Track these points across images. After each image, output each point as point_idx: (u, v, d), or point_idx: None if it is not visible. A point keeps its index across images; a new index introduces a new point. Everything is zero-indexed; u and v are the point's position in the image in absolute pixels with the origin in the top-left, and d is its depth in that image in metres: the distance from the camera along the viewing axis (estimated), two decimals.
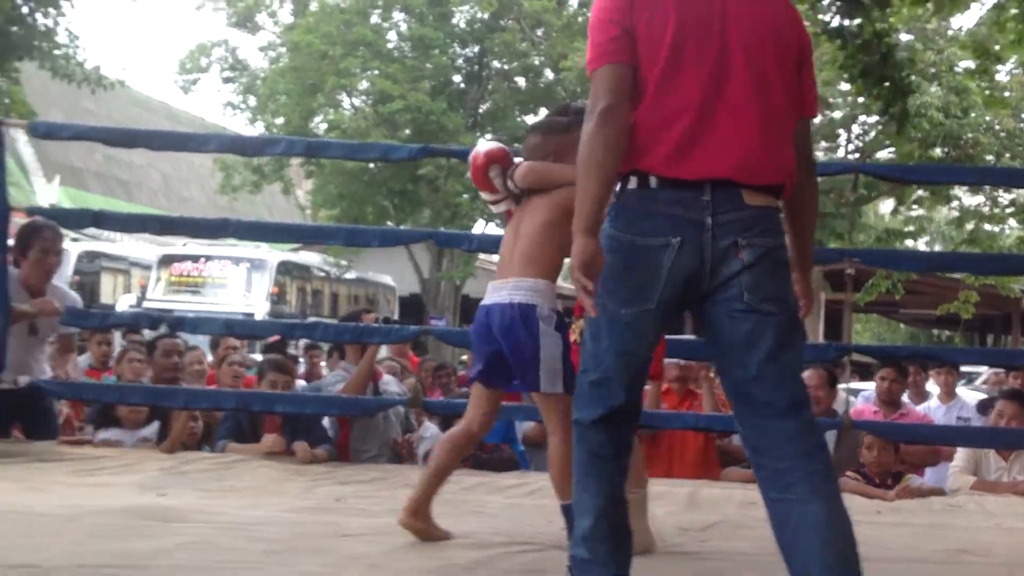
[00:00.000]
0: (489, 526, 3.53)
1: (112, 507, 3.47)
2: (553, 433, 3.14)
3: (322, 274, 22.54)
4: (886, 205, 22.87)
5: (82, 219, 5.18)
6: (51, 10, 10.56)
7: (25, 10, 10.40)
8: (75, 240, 18.37)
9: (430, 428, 5.52)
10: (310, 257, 21.73)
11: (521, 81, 21.77)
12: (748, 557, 3.22)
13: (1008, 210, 18.71)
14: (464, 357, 11.99)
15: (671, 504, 4.25)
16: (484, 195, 3.52)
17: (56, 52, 10.77)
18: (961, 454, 5.00)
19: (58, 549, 2.84)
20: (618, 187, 2.37)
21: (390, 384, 5.41)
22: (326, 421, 5.20)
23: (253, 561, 2.83)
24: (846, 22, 8.06)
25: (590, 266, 2.28)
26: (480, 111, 21.73)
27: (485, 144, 3.58)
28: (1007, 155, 17.40)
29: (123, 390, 4.96)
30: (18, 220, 5.18)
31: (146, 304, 16.41)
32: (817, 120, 19.09)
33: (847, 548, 2.27)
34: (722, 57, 2.33)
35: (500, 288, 3.20)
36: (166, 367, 5.51)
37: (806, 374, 5.40)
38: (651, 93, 2.32)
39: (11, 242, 4.87)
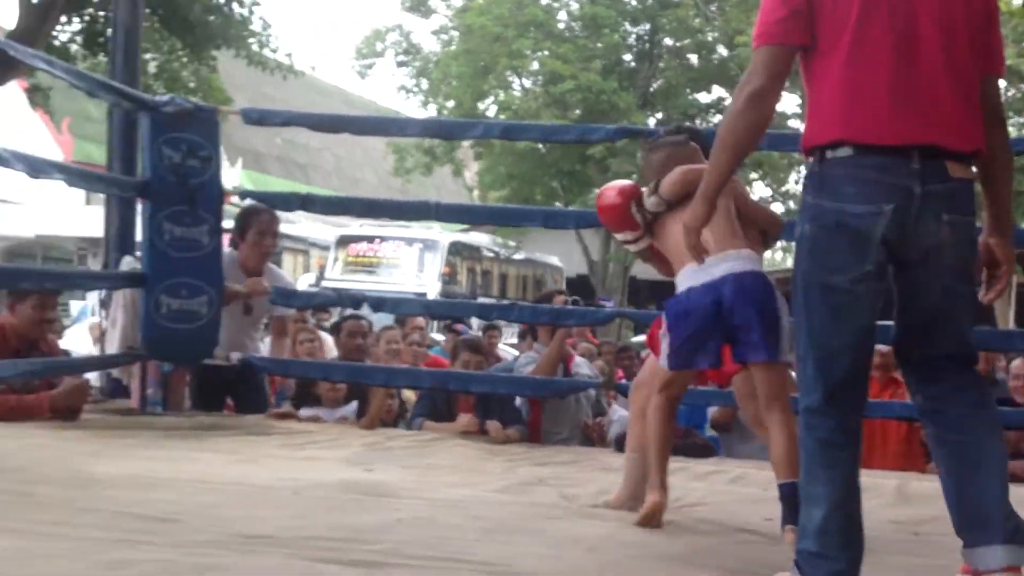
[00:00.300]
0: (697, 515, 3.49)
1: (327, 481, 3.57)
2: (778, 408, 3.10)
3: (491, 255, 22.81)
4: None
5: (290, 202, 5.37)
6: (246, 0, 10.99)
7: (222, 0, 10.85)
8: None
9: (618, 411, 5.51)
10: (479, 238, 22.02)
11: (693, 58, 21.49)
12: None
13: None
14: (636, 339, 11.91)
15: (879, 496, 4.10)
16: (620, 236, 3.49)
17: (251, 41, 11.19)
18: None
19: (285, 521, 2.93)
20: (818, 156, 2.34)
21: (582, 366, 5.42)
22: (518, 401, 5.25)
23: (472, 539, 2.87)
24: None
25: (700, 227, 2.48)
26: (651, 89, 21.56)
27: (614, 185, 3.52)
28: None
29: (327, 367, 5.12)
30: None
31: (324, 284, 16.94)
32: (1010, 93, 18.21)
33: (1008, 491, 2.37)
34: (911, 21, 2.30)
35: (723, 261, 3.09)
36: (351, 348, 5.65)
37: (1015, 363, 5.15)
38: (843, 62, 2.30)
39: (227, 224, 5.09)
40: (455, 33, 22.52)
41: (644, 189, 3.34)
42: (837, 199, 2.30)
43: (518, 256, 23.50)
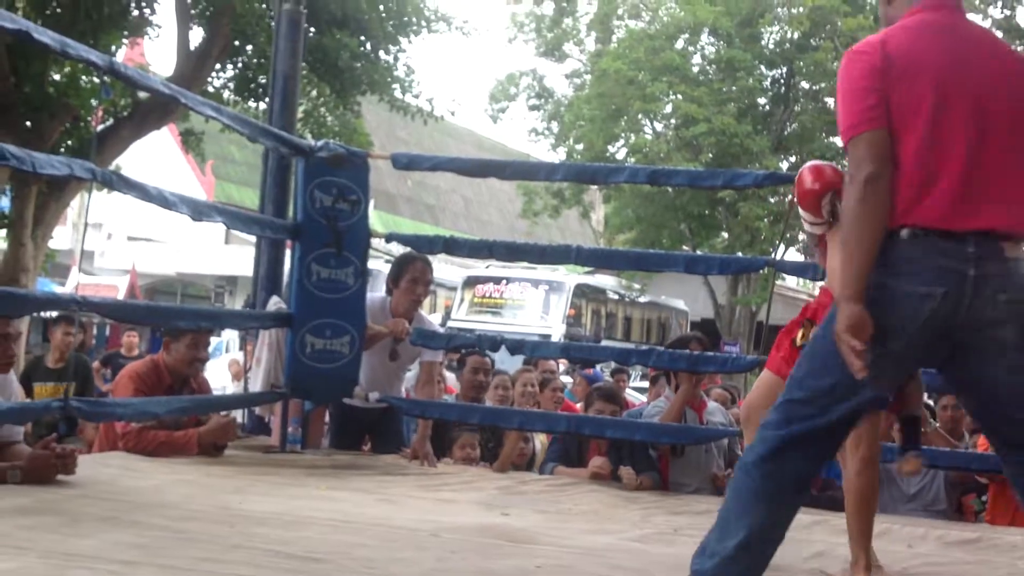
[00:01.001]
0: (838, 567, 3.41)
1: (465, 524, 3.61)
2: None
3: (616, 297, 22.77)
4: None
5: (434, 244, 5.45)
6: (392, 47, 11.28)
7: (368, 47, 11.16)
8: (388, 262, 19.45)
9: None
10: (605, 280, 22.01)
11: (830, 102, 21.15)
12: None
13: None
14: None
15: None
16: (804, 215, 3.54)
17: (394, 86, 11.47)
18: None
19: (428, 564, 2.97)
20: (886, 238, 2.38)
21: (715, 414, 5.33)
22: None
23: None
24: None
25: (859, 331, 2.32)
26: (785, 133, 21.29)
27: (820, 166, 3.61)
28: None
29: (465, 409, 5.17)
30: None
31: (450, 324, 17.15)
32: None
33: None
34: (981, 117, 2.36)
35: None
36: (472, 383, 5.68)
37: None
38: (914, 151, 2.34)
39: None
40: (587, 77, 22.70)
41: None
42: (891, 278, 2.36)
43: (643, 299, 23.38)
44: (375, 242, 5.63)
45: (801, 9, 19.54)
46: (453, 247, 5.41)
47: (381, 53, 11.07)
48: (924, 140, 2.34)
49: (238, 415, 5.16)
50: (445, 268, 21.09)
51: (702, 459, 5.07)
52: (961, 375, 2.46)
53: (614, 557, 3.30)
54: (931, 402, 6.30)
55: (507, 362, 7.70)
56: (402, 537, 3.37)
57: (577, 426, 4.98)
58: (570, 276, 20.06)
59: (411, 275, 5.17)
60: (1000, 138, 2.37)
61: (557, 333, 18.19)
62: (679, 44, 20.91)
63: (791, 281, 24.98)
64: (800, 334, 3.45)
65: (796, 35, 20.38)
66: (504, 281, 19.52)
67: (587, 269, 20.41)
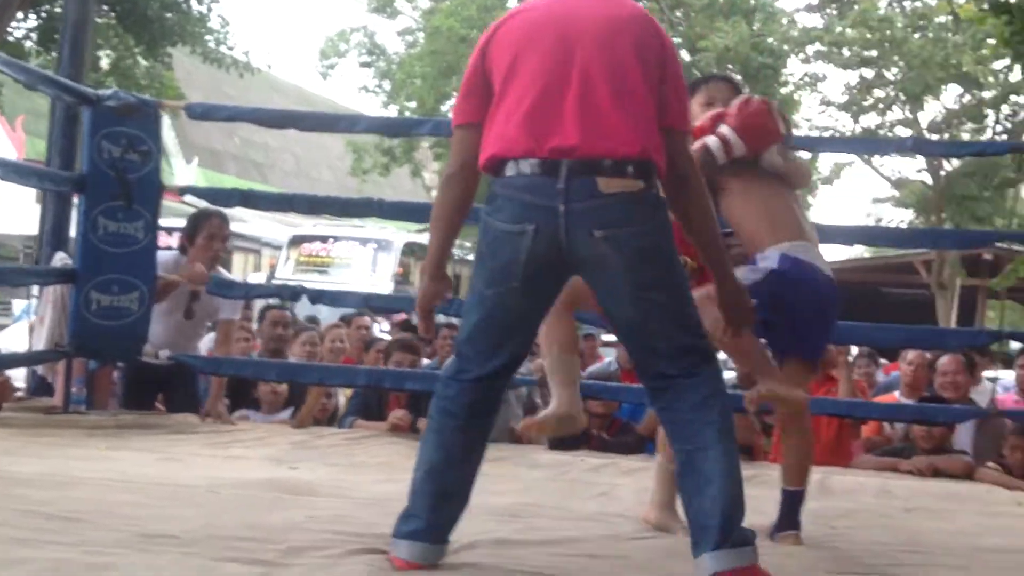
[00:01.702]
0: (620, 509, 3.51)
1: (248, 480, 3.55)
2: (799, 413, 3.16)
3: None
4: None
5: (230, 198, 5.31)
6: None
7: None
8: None
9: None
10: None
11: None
12: (884, 546, 3.12)
13: None
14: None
15: None
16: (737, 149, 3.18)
17: (208, 38, 11.11)
18: None
19: (196, 521, 2.90)
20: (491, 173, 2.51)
21: None
22: None
23: (387, 535, 2.86)
24: None
25: (429, 305, 2.65)
26: None
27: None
28: None
29: (260, 366, 5.08)
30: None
31: (275, 283, 16.81)
32: (965, 100, 18.48)
33: (736, 493, 2.39)
34: (567, 61, 2.43)
35: (810, 249, 3.10)
36: (273, 337, 5.62)
37: (944, 360, 5.21)
38: (510, 93, 2.45)
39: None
40: (421, 34, 22.46)
41: None
42: (494, 216, 2.47)
43: (472, 256, 23.41)
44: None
45: None
46: (251, 200, 5.29)
47: (193, 3, 10.68)
48: (516, 85, 2.45)
49: (20, 376, 4.95)
50: (270, 226, 20.66)
51: (500, 409, 5.12)
52: (596, 302, 2.56)
53: (394, 506, 3.29)
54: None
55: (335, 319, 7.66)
56: (176, 494, 3.28)
57: (377, 379, 4.98)
58: (399, 234, 19.91)
59: (207, 231, 5.03)
60: (587, 81, 2.42)
61: (385, 291, 18.05)
62: (511, 3, 20.90)
63: None
64: None
65: None
66: (331, 239, 19.20)
67: (418, 227, 20.32)
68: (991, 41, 8.59)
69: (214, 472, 3.70)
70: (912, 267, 19.78)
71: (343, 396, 5.66)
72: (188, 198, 5.90)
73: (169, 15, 10.29)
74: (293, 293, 5.10)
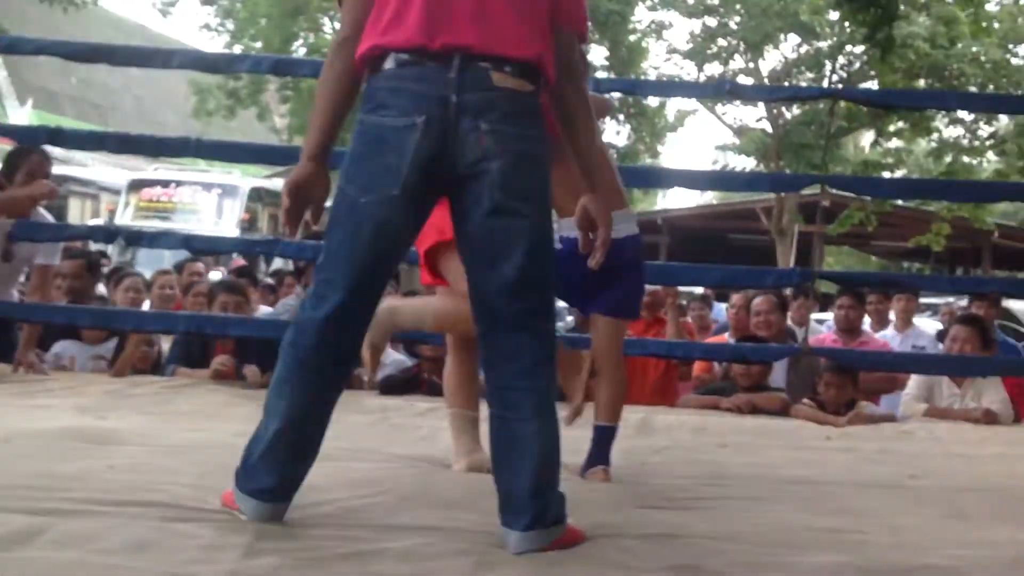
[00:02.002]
0: (438, 452, 3.50)
1: (47, 429, 3.39)
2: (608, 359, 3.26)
3: None
4: (867, 138, 22.81)
5: (38, 135, 5.03)
6: None
7: None
8: None
9: (391, 355, 5.43)
10: (283, 184, 21.44)
11: None
12: (691, 480, 3.20)
13: (988, 142, 18.67)
14: None
15: (622, 429, 4.21)
16: None
17: None
18: (914, 381, 5.00)
19: None
20: (368, 70, 2.29)
21: None
22: None
23: (184, 483, 2.78)
24: None
25: (299, 189, 2.30)
26: None
27: None
28: (991, 86, 17.31)
29: (73, 312, 4.87)
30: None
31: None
32: (803, 50, 19.01)
33: (551, 469, 2.30)
34: None
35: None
36: (125, 302, 5.41)
37: (757, 300, 5.37)
38: None
39: None
40: None
41: None
42: (375, 113, 2.24)
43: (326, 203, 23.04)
44: None
45: None
46: (58, 138, 5.02)
47: None
48: None
49: None
50: (107, 170, 19.89)
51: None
52: (455, 217, 2.32)
53: (200, 453, 3.21)
54: None
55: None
56: None
57: (198, 325, 4.83)
58: (245, 179, 19.40)
59: (28, 168, 4.76)
60: None
61: (236, 233, 17.61)
62: None
63: None
64: None
65: None
66: (173, 184, 18.59)
67: (267, 172, 19.83)
68: None
69: (13, 423, 3.52)
70: (754, 214, 20.41)
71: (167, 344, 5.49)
72: None
73: None
74: (107, 235, 4.88)
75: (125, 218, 17.95)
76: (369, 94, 2.27)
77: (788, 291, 6.01)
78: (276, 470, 2.33)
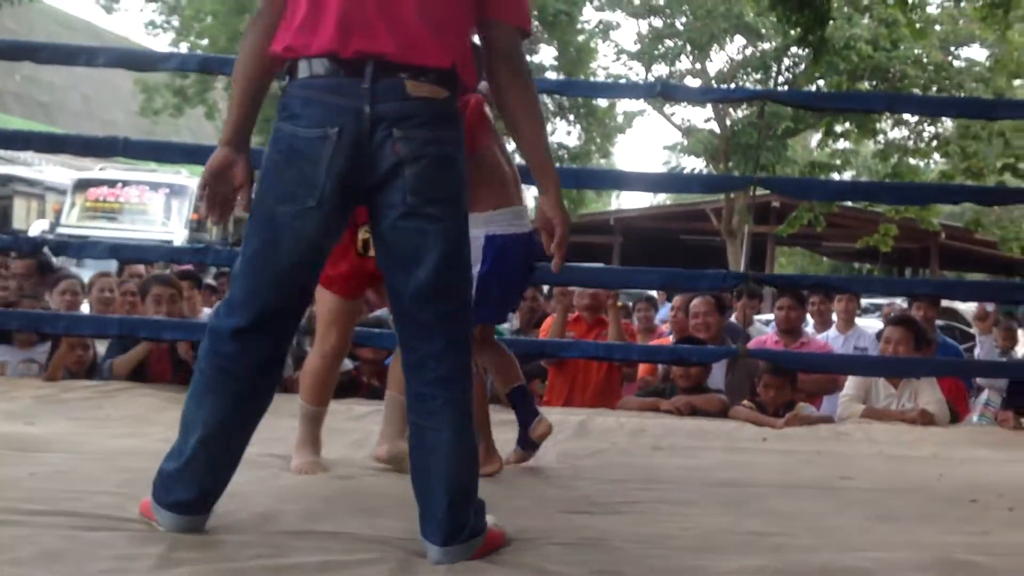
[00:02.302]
0: (365, 453, 3.47)
1: None
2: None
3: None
4: (816, 140, 23.03)
5: None
6: None
7: None
8: None
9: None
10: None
11: None
12: (622, 484, 3.20)
13: (932, 144, 18.90)
14: None
15: (560, 432, 4.21)
16: None
17: None
18: (851, 382, 5.04)
19: None
20: (285, 79, 2.27)
21: None
22: None
23: (104, 491, 2.73)
24: None
25: (213, 174, 2.30)
26: None
27: None
28: (934, 88, 17.53)
29: (2, 316, 4.77)
30: None
31: (60, 230, 15.97)
32: (748, 52, 19.16)
33: (467, 481, 2.27)
34: None
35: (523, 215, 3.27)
36: (62, 305, 5.33)
37: (695, 302, 5.39)
38: None
39: None
40: None
41: None
42: (290, 122, 2.22)
43: None
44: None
45: None
46: None
47: None
48: None
49: None
50: (52, 170, 19.61)
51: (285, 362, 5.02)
52: (372, 226, 2.31)
53: (126, 459, 3.16)
54: None
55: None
56: None
57: (131, 328, 4.75)
58: (193, 179, 19.17)
59: None
60: None
61: (179, 239, 17.39)
62: None
63: None
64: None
65: None
66: (120, 184, 18.34)
67: None
68: None
69: None
70: (704, 214, 20.54)
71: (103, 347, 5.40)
72: None
73: None
74: (33, 245, 4.79)
75: (71, 218, 17.68)
76: (283, 102, 2.24)
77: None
78: (195, 483, 2.29)
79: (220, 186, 2.32)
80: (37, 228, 16.97)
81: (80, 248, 5.15)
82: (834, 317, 6.55)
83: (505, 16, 2.35)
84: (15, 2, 11.13)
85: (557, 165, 2.96)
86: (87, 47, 5.09)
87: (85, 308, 5.72)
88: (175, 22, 22.25)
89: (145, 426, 3.87)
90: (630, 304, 7.51)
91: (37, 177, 19.53)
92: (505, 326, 5.89)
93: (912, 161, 19.45)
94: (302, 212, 2.20)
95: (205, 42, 20.38)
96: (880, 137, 19.89)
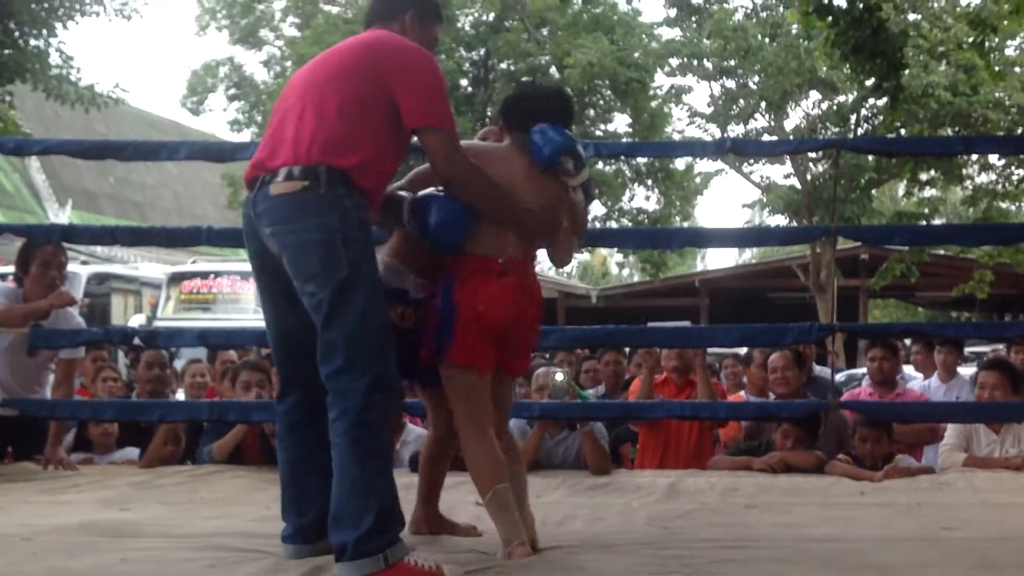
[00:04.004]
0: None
1: (67, 524, 3.40)
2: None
3: None
4: (902, 189, 22.65)
5: (52, 233, 5.11)
6: (43, 31, 10.57)
7: (17, 33, 10.41)
8: (85, 263, 18.47)
9: (413, 431, 5.35)
10: None
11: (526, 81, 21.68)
12: (714, 543, 3.12)
13: (1022, 186, 18.46)
14: None
15: (649, 495, 4.16)
16: None
17: (50, 74, 10.75)
18: (951, 431, 4.88)
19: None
20: None
21: None
22: None
23: (194, 572, 2.76)
24: (836, 0, 7.96)
25: None
26: (488, 113, 21.68)
27: None
28: (1019, 130, 17.16)
29: (97, 406, 4.89)
30: None
31: (156, 323, 16.40)
32: (824, 106, 19.01)
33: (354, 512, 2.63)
34: (285, 98, 2.93)
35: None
36: (148, 379, 5.45)
37: (772, 357, 5.28)
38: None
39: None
40: (288, 64, 22.24)
41: None
42: None
43: None
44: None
45: None
46: (72, 234, 5.11)
47: (31, 39, 10.35)
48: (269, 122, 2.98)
49: None
50: (147, 266, 20.23)
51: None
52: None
53: (215, 541, 3.19)
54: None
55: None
56: None
57: (221, 412, 4.83)
58: None
59: (41, 259, 4.83)
60: (289, 109, 2.86)
61: None
62: None
63: None
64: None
65: (490, 17, 20.75)
66: (212, 275, 18.82)
67: None
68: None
69: (36, 519, 3.53)
70: (791, 271, 20.24)
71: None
72: None
73: (6, 51, 9.92)
74: (124, 336, 4.93)
75: (167, 311, 18.16)
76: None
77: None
78: (289, 519, 2.95)
79: None
80: (135, 323, 17.47)
81: (170, 336, 5.29)
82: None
83: (413, 121, 2.84)
84: (103, 105, 11.57)
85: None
86: (168, 142, 5.28)
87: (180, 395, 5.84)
88: (258, 118, 22.95)
89: (237, 507, 3.91)
90: (716, 363, 7.40)
91: (133, 274, 20.13)
92: (591, 391, 5.84)
93: (1003, 205, 19.01)
94: (263, 298, 2.98)
95: None
96: (967, 183, 19.51)
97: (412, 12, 3.04)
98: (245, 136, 23.19)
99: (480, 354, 3.00)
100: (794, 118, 19.37)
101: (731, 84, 19.09)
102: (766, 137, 18.48)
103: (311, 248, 2.69)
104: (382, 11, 3.05)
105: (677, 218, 21.38)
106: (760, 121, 19.03)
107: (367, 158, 2.79)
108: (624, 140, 19.40)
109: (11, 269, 5.08)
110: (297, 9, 22.35)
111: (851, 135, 17.49)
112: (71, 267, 13.44)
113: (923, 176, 18.63)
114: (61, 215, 25.12)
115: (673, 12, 19.85)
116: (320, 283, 2.67)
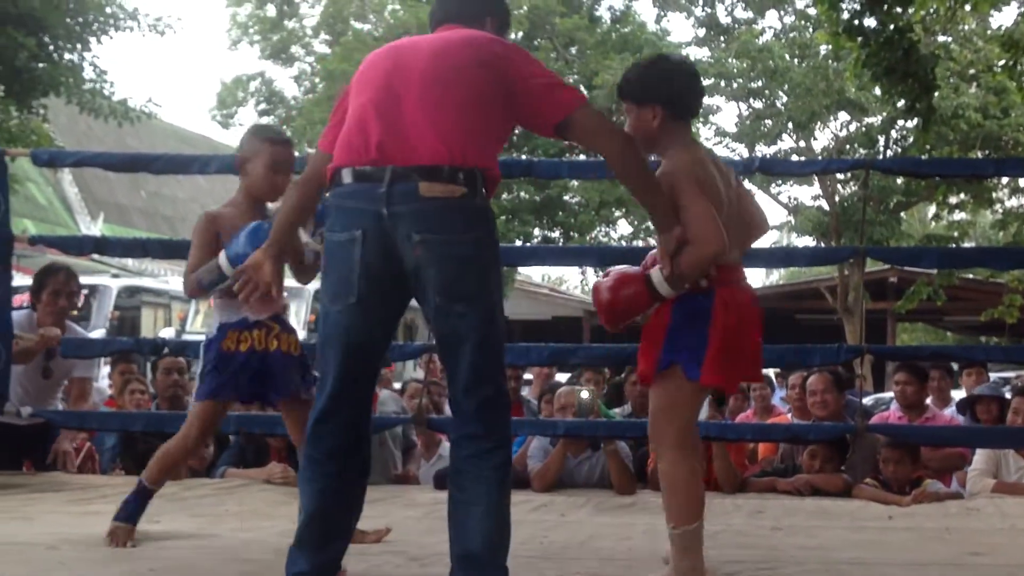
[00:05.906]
0: None
1: (94, 535, 3.42)
2: None
3: None
4: (932, 212, 22.51)
5: (84, 245, 5.19)
6: (77, 46, 10.71)
7: (51, 47, 10.55)
8: (116, 276, 18.61)
9: (446, 446, 5.36)
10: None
11: None
12: (739, 565, 3.11)
13: None
14: None
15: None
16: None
17: (84, 88, 10.88)
18: (980, 456, 4.83)
19: None
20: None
21: (387, 403, 5.30)
22: None
23: None
24: (867, 21, 7.96)
25: (254, 271, 2.89)
26: (515, 131, 21.77)
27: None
28: None
29: (126, 418, 4.93)
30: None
31: (186, 336, 16.50)
32: (853, 127, 18.94)
33: (497, 550, 2.46)
34: (389, 86, 2.58)
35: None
36: (167, 385, 5.48)
37: (812, 379, 5.24)
38: (351, 119, 2.62)
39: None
40: (317, 80, 22.40)
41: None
42: (329, 229, 2.56)
43: None
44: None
45: (521, 10, 20.00)
46: (104, 246, 5.16)
47: (65, 53, 10.48)
48: (352, 110, 2.63)
49: None
50: (177, 280, 20.34)
51: (376, 451, 5.03)
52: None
53: (243, 552, 3.22)
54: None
55: None
56: (10, 554, 3.15)
57: (248, 425, 4.85)
58: (312, 282, 19.69)
59: (52, 287, 4.92)
60: (412, 99, 2.53)
61: (303, 335, 17.82)
62: None
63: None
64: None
65: (519, 35, 20.82)
66: None
67: None
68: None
69: (63, 529, 3.57)
70: (819, 293, 20.14)
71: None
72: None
73: (40, 65, 10.06)
74: (154, 347, 4.97)
75: (196, 324, 18.27)
76: (323, 212, 2.69)
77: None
78: (308, 555, 2.53)
79: (255, 276, 2.93)
80: (164, 335, 17.59)
81: (198, 347, 5.30)
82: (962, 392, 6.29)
83: (556, 115, 2.59)
84: (135, 120, 11.70)
85: None
86: (199, 156, 5.33)
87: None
88: (288, 133, 23.11)
89: (263, 520, 3.93)
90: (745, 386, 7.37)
91: (163, 287, 20.26)
92: (617, 410, 5.82)
93: None
94: (347, 308, 2.50)
95: (314, 150, 21.16)
96: (997, 206, 19.36)
97: (492, 19, 2.87)
98: None
99: (726, 373, 2.83)
100: (822, 139, 19.35)
101: (758, 104, 19.05)
102: (794, 158, 18.44)
103: (469, 265, 2.46)
104: (460, 13, 2.81)
105: None
106: (788, 142, 19.00)
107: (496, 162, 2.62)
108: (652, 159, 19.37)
109: (29, 281, 5.19)
110: (328, 26, 22.49)
111: (880, 157, 17.41)
112: (102, 280, 13.65)
113: (952, 199, 18.51)
114: (93, 228, 25.37)
115: (702, 32, 19.89)
116: (471, 304, 2.46)
